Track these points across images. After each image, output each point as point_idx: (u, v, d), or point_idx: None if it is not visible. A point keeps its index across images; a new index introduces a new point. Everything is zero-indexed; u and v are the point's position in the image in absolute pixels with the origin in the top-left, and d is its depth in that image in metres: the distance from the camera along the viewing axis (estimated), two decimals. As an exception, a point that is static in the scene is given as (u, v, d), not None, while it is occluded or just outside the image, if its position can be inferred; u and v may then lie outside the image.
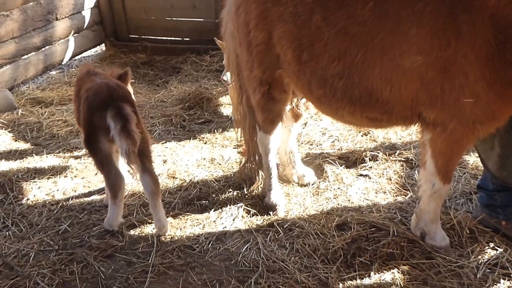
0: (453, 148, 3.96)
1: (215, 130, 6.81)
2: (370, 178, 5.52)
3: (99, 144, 4.52)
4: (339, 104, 4.10)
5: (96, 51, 10.92)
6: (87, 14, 10.16)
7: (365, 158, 5.79)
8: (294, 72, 4.27)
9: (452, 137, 3.86)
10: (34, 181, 5.73)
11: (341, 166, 5.70)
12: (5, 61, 8.28)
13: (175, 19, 10.07)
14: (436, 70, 3.64)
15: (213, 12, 9.45)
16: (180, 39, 10.03)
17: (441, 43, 3.56)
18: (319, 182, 5.46)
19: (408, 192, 5.24)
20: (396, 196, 5.22)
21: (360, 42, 3.79)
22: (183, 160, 6.03)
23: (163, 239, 4.69)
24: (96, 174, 5.75)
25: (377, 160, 5.77)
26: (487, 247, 4.36)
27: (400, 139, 6.21)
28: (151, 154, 4.71)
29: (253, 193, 5.34)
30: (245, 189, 5.39)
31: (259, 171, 5.36)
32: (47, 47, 9.17)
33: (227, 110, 7.44)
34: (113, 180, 4.65)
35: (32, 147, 6.59)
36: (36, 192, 5.54)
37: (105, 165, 4.64)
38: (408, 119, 4.02)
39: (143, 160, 4.52)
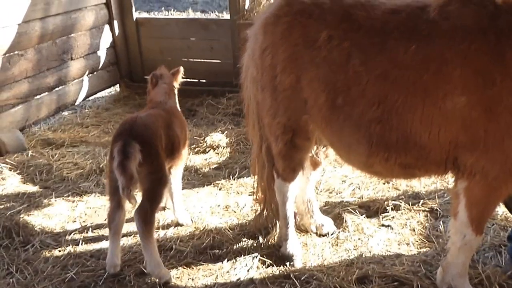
0: (490, 196, 3.86)
1: (231, 176, 6.64)
2: (392, 228, 5.35)
3: (110, 172, 4.59)
4: (373, 151, 3.99)
5: (110, 92, 10.86)
6: (102, 54, 10.15)
7: (387, 208, 5.62)
8: (324, 118, 4.16)
9: (491, 185, 3.75)
10: (42, 226, 5.58)
11: (361, 215, 5.53)
12: (17, 101, 8.21)
13: (191, 60, 10.03)
14: (479, 110, 3.58)
15: (230, 53, 9.41)
16: (196, 80, 9.94)
17: (486, 82, 3.52)
18: (339, 232, 5.30)
19: (433, 244, 5.07)
20: (420, 248, 5.05)
21: (402, 85, 3.75)
22: (196, 207, 5.90)
23: (173, 288, 4.51)
24: (105, 220, 5.54)
25: (399, 210, 5.60)
26: (517, 304, 4.15)
27: (424, 187, 6.04)
28: (157, 197, 4.69)
29: (269, 243, 5.17)
30: (260, 239, 5.22)
31: (276, 220, 5.22)
32: (60, 87, 9.12)
33: (243, 155, 7.30)
34: (110, 211, 4.70)
35: (41, 190, 6.45)
36: (43, 237, 5.38)
37: (111, 194, 4.70)
38: (443, 165, 3.91)
39: (143, 198, 4.62)
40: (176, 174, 5.41)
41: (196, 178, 6.67)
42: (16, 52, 8.12)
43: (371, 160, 4.08)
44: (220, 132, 8.03)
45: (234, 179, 6.55)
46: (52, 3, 8.73)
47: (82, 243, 5.29)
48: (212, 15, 18.33)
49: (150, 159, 4.54)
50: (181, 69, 5.83)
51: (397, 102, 3.77)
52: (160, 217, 5.55)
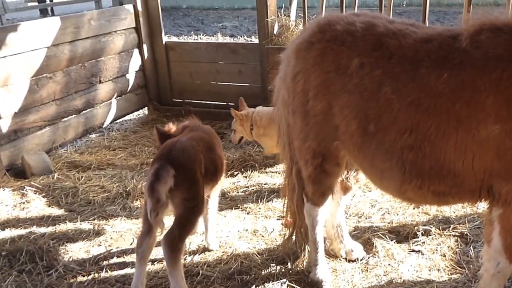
0: None
1: (259, 200, 6.58)
2: (423, 254, 5.25)
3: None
4: (405, 178, 3.94)
5: (139, 114, 10.94)
6: (131, 77, 10.25)
7: (417, 233, 5.53)
8: (356, 144, 4.12)
9: None
10: (66, 250, 5.55)
11: (391, 240, 5.44)
12: (45, 123, 8.30)
13: (220, 83, 10.10)
14: None
15: (259, 77, 9.44)
16: (225, 103, 9.93)
17: None
18: (368, 258, 5.21)
19: (464, 270, 4.97)
20: (451, 274, 4.95)
21: (434, 113, 3.70)
22: (224, 231, 5.83)
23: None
24: (131, 244, 5.53)
25: (430, 235, 5.51)
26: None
27: (454, 212, 5.95)
28: (188, 225, 4.58)
29: (298, 268, 5.09)
30: (289, 264, 5.14)
31: (305, 244, 5.14)
32: (88, 110, 9.20)
33: (272, 179, 7.24)
34: (140, 236, 4.61)
35: (66, 213, 6.43)
36: (67, 261, 5.35)
37: (143, 219, 4.62)
38: (477, 193, 3.82)
39: (173, 224, 4.53)
40: (213, 197, 5.38)
41: (224, 202, 6.61)
42: (44, 75, 8.23)
43: (403, 187, 4.03)
44: (248, 155, 7.99)
45: (262, 203, 6.49)
46: (82, 27, 8.87)
47: (106, 268, 5.24)
48: (241, 40, 18.41)
49: (186, 185, 4.48)
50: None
51: (429, 130, 3.73)
52: (187, 241, 5.45)
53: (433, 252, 5.25)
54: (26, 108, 7.94)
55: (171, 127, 5.29)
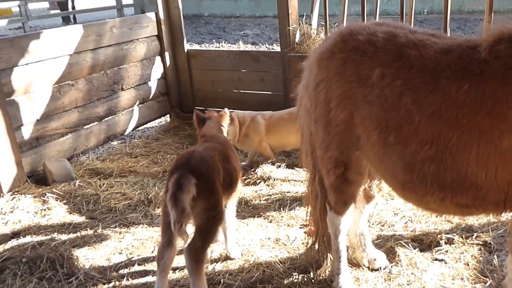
0: None
1: (281, 208, 6.55)
2: (446, 263, 5.19)
3: (165, 207, 4.46)
4: (427, 190, 3.89)
5: (160, 122, 10.97)
6: (153, 84, 10.30)
7: (440, 241, 5.48)
8: (377, 155, 4.10)
9: None
10: (87, 258, 5.54)
11: (414, 249, 5.39)
12: (67, 130, 8.35)
13: (242, 91, 10.10)
14: None
15: (281, 85, 9.42)
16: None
17: None
18: (391, 267, 5.15)
19: (488, 279, 4.90)
20: (474, 283, 4.89)
21: (455, 125, 3.66)
22: (246, 239, 5.81)
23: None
24: (152, 252, 5.53)
25: (453, 244, 5.46)
26: None
27: (477, 220, 5.86)
28: (210, 235, 4.57)
29: (320, 277, 5.04)
30: (311, 273, 5.10)
31: (328, 253, 5.11)
32: (110, 117, 9.25)
33: (294, 187, 7.21)
34: (160, 248, 4.57)
35: (87, 220, 6.44)
36: (88, 269, 5.34)
37: (163, 230, 4.59)
38: (501, 205, 3.76)
39: (195, 235, 4.50)
40: (231, 207, 5.34)
41: (246, 210, 6.60)
42: (66, 82, 8.30)
43: (426, 199, 3.99)
44: (270, 163, 8.01)
45: (285, 211, 6.46)
46: (104, 35, 8.95)
47: (128, 277, 5.23)
48: (263, 47, 18.45)
49: (206, 194, 4.45)
50: (227, 111, 5.78)
51: (451, 141, 3.69)
52: (209, 249, 5.41)
53: (456, 261, 5.19)
54: (48, 115, 8.00)
55: (212, 114, 5.51)
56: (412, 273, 5.03)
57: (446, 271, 5.05)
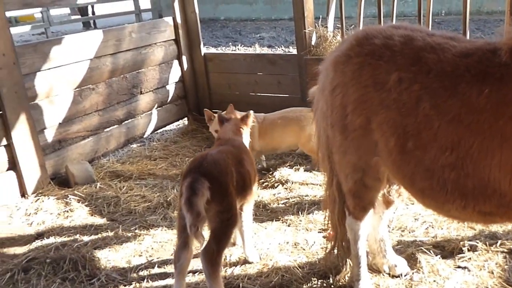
0: None
1: (300, 212, 6.50)
2: (469, 270, 5.06)
3: (180, 210, 4.48)
4: (448, 198, 3.79)
5: (178, 125, 11.00)
6: (171, 88, 10.34)
7: (463, 248, 5.34)
8: (395, 162, 4.01)
9: None
10: (108, 259, 5.59)
11: (436, 256, 5.27)
12: (88, 133, 8.45)
13: (259, 94, 10.08)
14: None
15: (298, 88, 9.37)
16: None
17: None
18: (412, 273, 5.04)
19: None
20: None
21: (476, 130, 3.54)
22: (265, 243, 5.76)
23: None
24: (172, 254, 5.51)
25: (476, 251, 5.31)
26: None
27: (501, 227, 5.70)
28: (224, 238, 4.58)
29: (340, 283, 4.98)
30: (331, 278, 5.04)
31: (347, 259, 5.05)
32: (129, 120, 9.32)
33: (312, 191, 7.16)
34: (176, 250, 4.59)
35: (108, 222, 6.49)
36: (109, 271, 5.38)
37: (179, 232, 4.62)
38: None
39: (210, 239, 4.51)
40: (246, 210, 5.32)
41: (264, 214, 6.57)
42: (87, 86, 8.39)
43: (447, 207, 3.90)
44: (288, 167, 7.98)
45: (303, 215, 6.40)
46: (123, 40, 9.01)
47: (147, 279, 5.25)
48: (279, 50, 18.44)
49: (219, 197, 4.45)
50: (251, 113, 5.76)
51: (472, 147, 3.58)
52: (227, 253, 5.46)
53: (480, 269, 5.05)
54: (70, 118, 8.10)
55: (231, 115, 5.57)
56: (434, 281, 4.92)
57: (470, 279, 4.92)
